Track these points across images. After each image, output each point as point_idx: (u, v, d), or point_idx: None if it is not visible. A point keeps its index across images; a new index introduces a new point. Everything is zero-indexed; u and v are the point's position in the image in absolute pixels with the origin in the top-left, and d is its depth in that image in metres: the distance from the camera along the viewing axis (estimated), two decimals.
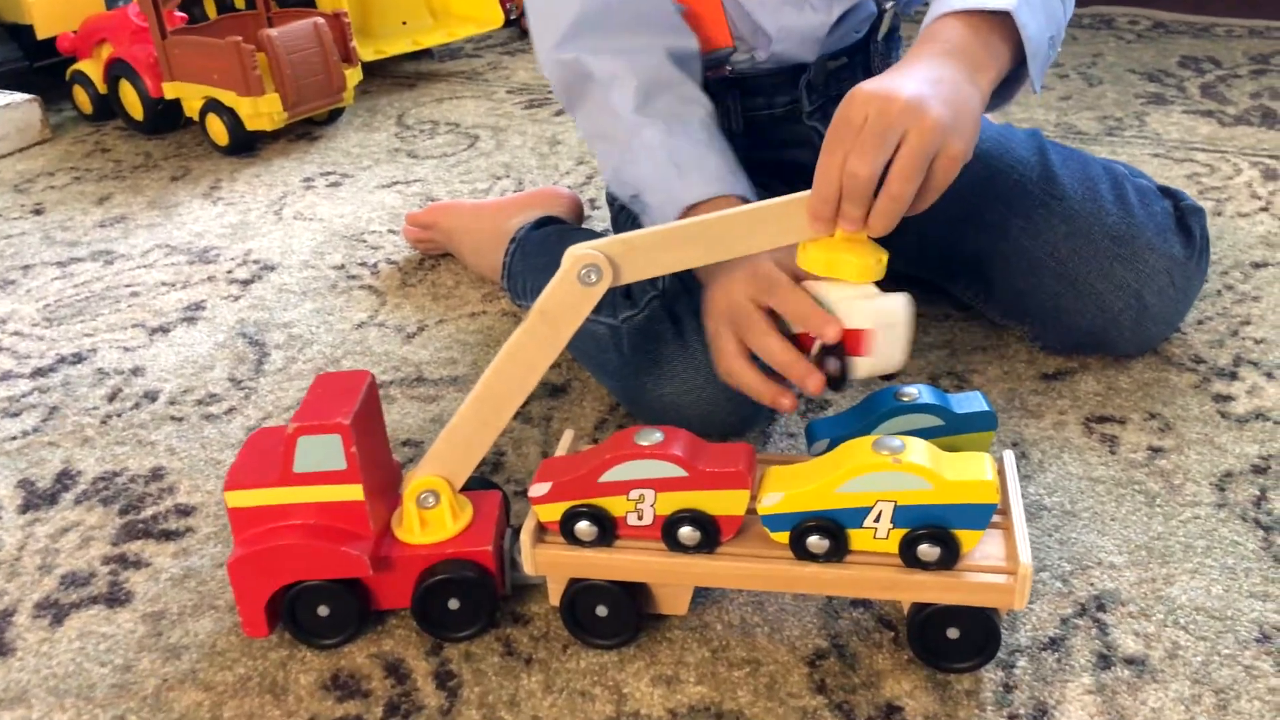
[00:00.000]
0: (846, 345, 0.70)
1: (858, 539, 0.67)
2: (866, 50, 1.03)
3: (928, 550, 0.66)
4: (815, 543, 0.67)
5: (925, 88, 0.67)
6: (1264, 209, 1.25)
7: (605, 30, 0.88)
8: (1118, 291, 0.93)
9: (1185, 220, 0.96)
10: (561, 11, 0.88)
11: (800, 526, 0.67)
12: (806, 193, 0.67)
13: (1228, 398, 0.93)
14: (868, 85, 0.67)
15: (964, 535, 0.66)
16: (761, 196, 1.01)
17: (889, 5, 1.01)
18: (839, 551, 0.68)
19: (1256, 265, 1.13)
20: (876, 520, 0.66)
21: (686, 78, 0.89)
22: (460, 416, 0.72)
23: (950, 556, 0.66)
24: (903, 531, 0.66)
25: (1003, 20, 0.74)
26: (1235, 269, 1.13)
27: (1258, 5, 1.98)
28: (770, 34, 0.96)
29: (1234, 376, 0.96)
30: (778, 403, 0.74)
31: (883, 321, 0.69)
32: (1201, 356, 0.99)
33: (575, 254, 0.68)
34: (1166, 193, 0.98)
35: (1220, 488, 0.83)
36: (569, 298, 0.69)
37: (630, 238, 0.69)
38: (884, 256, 0.69)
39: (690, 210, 0.82)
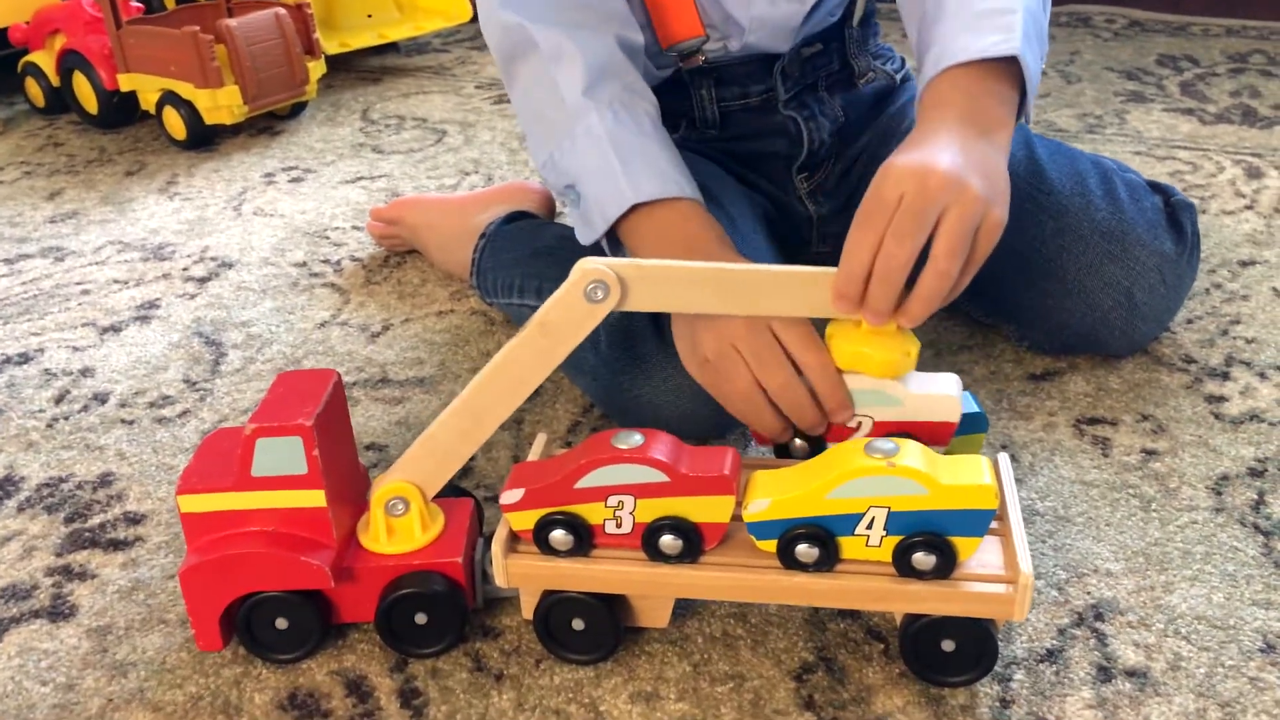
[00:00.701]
0: (924, 437, 0.68)
1: (849, 547, 0.64)
2: (842, 37, 1.01)
3: (923, 559, 0.62)
4: (804, 551, 0.64)
5: (958, 159, 0.65)
6: (1249, 207, 1.23)
7: (552, 3, 0.83)
8: (1107, 289, 0.90)
9: (1176, 216, 0.93)
10: None
11: (788, 534, 0.64)
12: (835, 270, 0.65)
13: (1221, 398, 0.91)
14: (900, 161, 0.65)
15: (961, 543, 0.62)
16: (737, 186, 1.00)
17: None
18: (829, 560, 0.64)
19: (1244, 263, 1.11)
20: (869, 527, 0.63)
21: (634, 70, 0.84)
22: (439, 424, 0.68)
23: (947, 565, 0.62)
24: (897, 539, 0.63)
25: (1007, 62, 0.72)
26: (1223, 267, 1.11)
27: (1233, 5, 1.98)
28: (743, 25, 0.93)
29: (1226, 377, 0.93)
30: (780, 438, 0.72)
31: (952, 409, 0.69)
32: (1192, 356, 0.96)
33: (585, 267, 0.64)
34: (1156, 188, 0.96)
35: (1217, 491, 0.80)
36: (572, 311, 0.65)
37: (646, 265, 0.65)
38: (914, 349, 0.67)
39: (635, 210, 0.77)
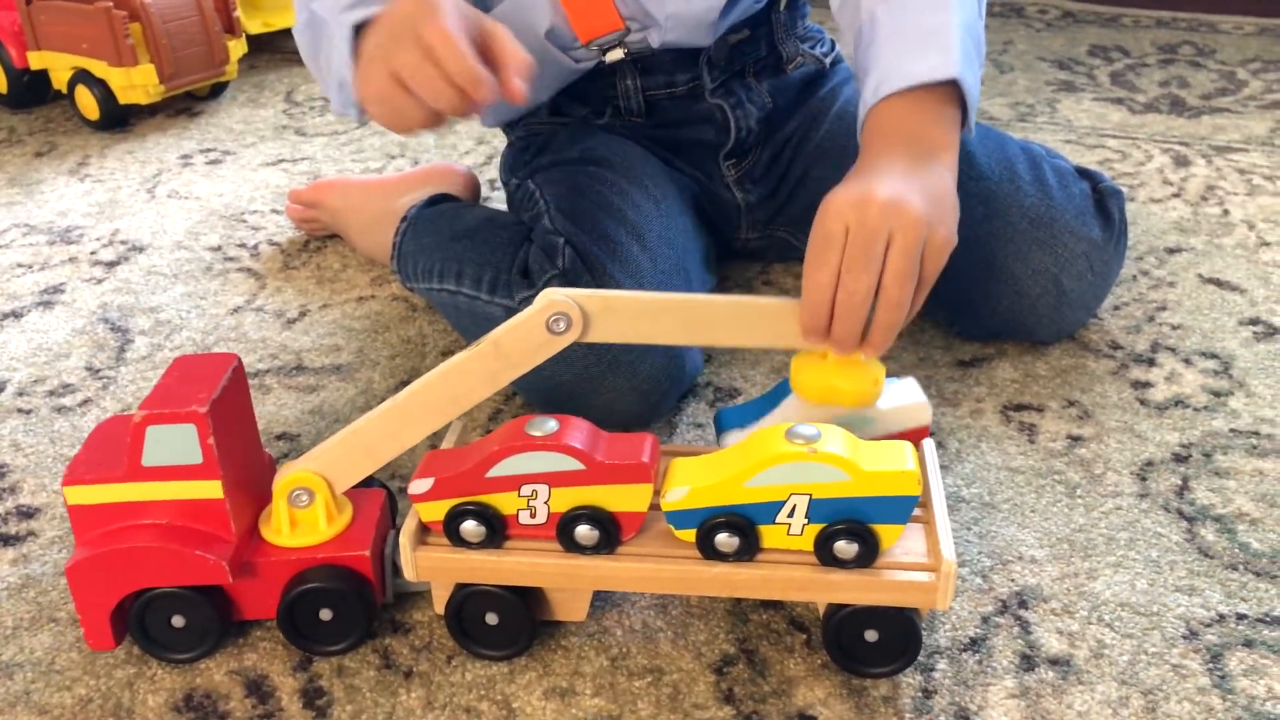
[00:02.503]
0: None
1: (770, 536, 0.62)
2: (769, 22, 0.99)
3: (845, 547, 0.61)
4: (724, 541, 0.62)
5: (897, 184, 0.65)
6: (1176, 195, 1.24)
7: None
8: (1035, 276, 0.90)
9: (1104, 203, 0.93)
10: None
11: (707, 523, 0.62)
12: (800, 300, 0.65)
13: (1146, 384, 0.90)
14: (839, 195, 0.65)
15: (884, 530, 0.61)
16: (663, 169, 0.97)
17: None
18: (749, 550, 0.62)
19: (1171, 250, 1.11)
20: (790, 515, 0.61)
21: None
22: (368, 420, 0.65)
23: (869, 553, 0.61)
24: (818, 527, 0.61)
25: (947, 84, 0.72)
26: (1150, 254, 1.11)
27: None
28: (659, 21, 0.90)
29: (1152, 363, 0.93)
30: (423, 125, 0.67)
31: (923, 413, 0.69)
32: (1119, 343, 0.96)
33: (550, 297, 0.62)
34: (1084, 174, 0.95)
35: (1141, 477, 0.80)
36: (530, 339, 0.63)
37: (611, 298, 0.64)
38: (880, 375, 0.66)
39: (366, 23, 0.71)
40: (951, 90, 0.73)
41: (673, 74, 0.97)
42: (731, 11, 0.93)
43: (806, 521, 0.61)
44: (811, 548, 0.62)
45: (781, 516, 0.61)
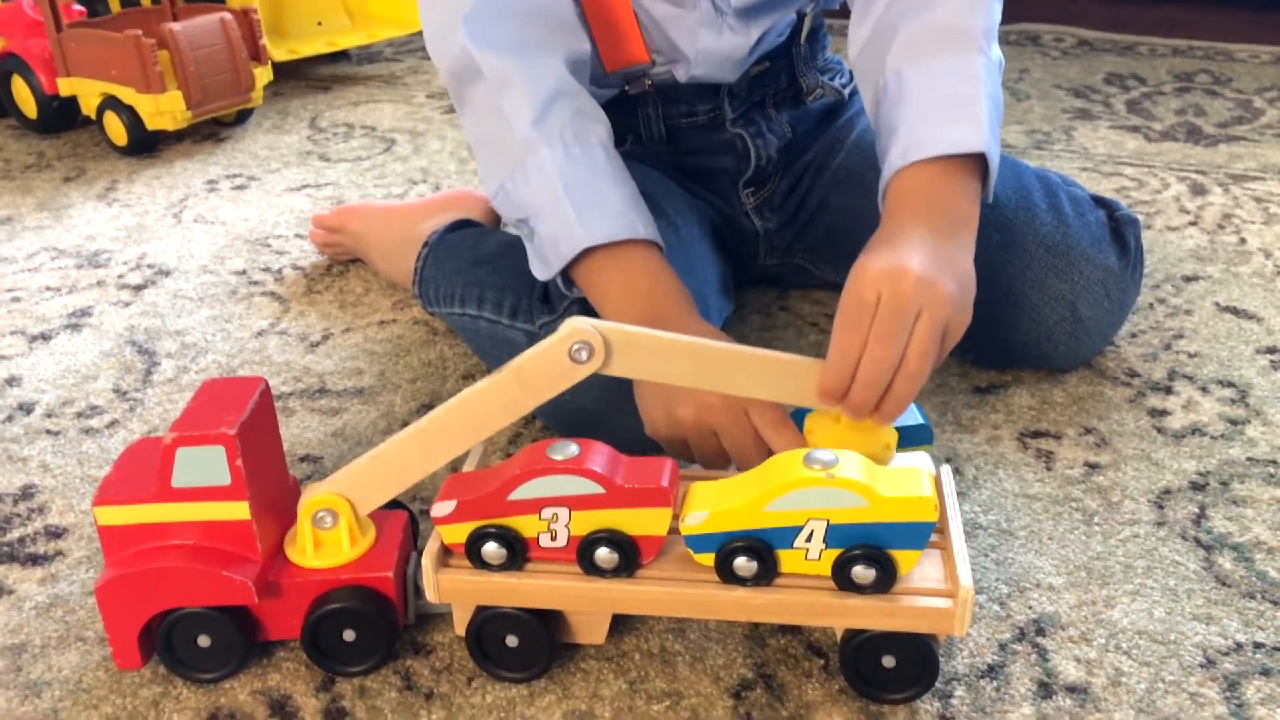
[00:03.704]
0: None
1: (788, 560, 0.63)
2: (790, 54, 1.00)
3: (863, 572, 0.61)
4: (743, 565, 0.62)
5: (929, 261, 0.67)
6: (1193, 223, 1.24)
7: (499, 17, 0.81)
8: (1052, 303, 0.90)
9: (1120, 231, 0.93)
10: None
11: (726, 548, 0.62)
12: (820, 361, 0.66)
13: (1163, 412, 0.91)
14: (873, 263, 0.67)
15: (901, 556, 0.61)
16: (684, 195, 0.98)
17: (808, 9, 0.98)
18: (767, 575, 0.63)
19: (1187, 279, 1.12)
20: (808, 540, 0.62)
21: (584, 90, 0.83)
22: (392, 445, 0.65)
23: (887, 579, 0.61)
24: (836, 552, 0.62)
25: (973, 155, 0.74)
26: (1166, 282, 1.11)
27: (1180, 25, 2.01)
28: (689, 57, 0.92)
29: (1169, 391, 0.93)
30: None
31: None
32: (1136, 370, 0.96)
33: (575, 325, 0.63)
34: (1100, 202, 0.96)
35: (1159, 505, 0.80)
36: (552, 367, 0.63)
37: (635, 334, 0.64)
38: (892, 440, 0.68)
39: (589, 253, 0.76)
40: (975, 162, 0.75)
41: (694, 104, 0.98)
42: (758, 48, 0.94)
43: (824, 546, 0.62)
44: (829, 573, 0.63)
45: (799, 541, 0.62)
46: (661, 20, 0.91)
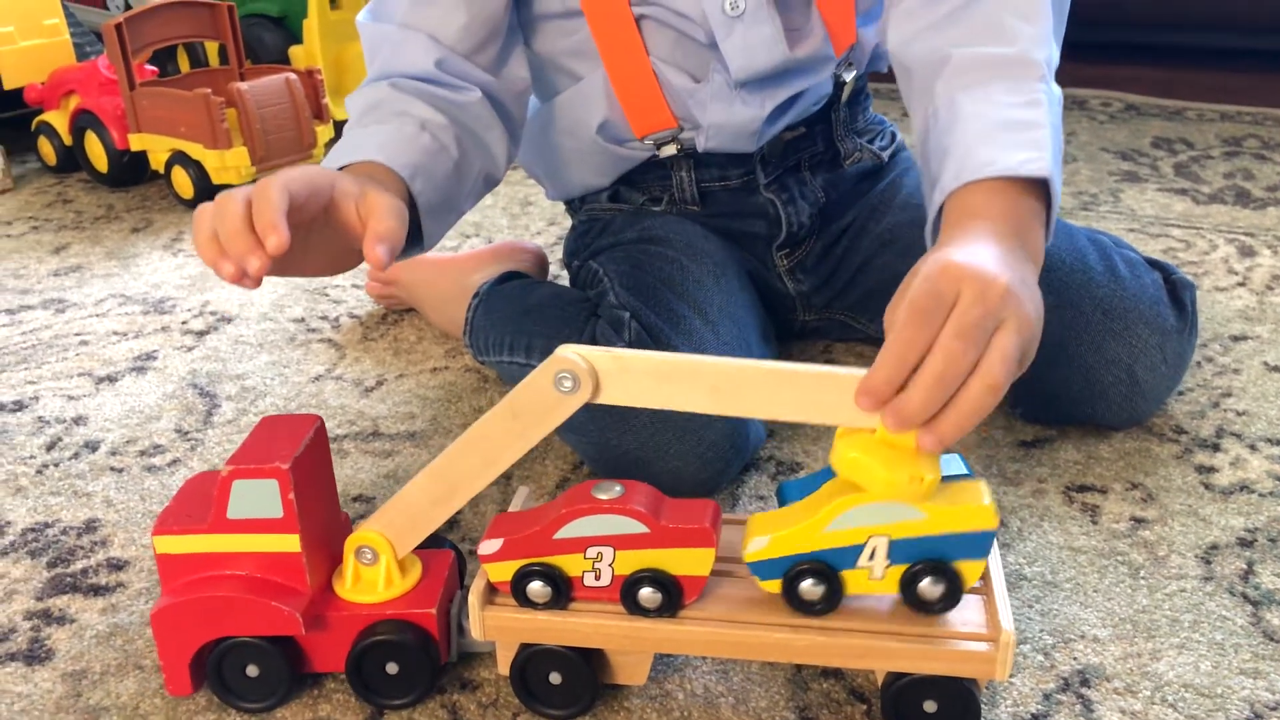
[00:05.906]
0: None
1: (853, 581, 0.63)
2: (828, 119, 1.01)
3: (930, 587, 0.61)
4: (808, 589, 0.62)
5: (1016, 279, 0.59)
6: (1241, 284, 1.24)
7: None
8: (1109, 366, 0.89)
9: (1177, 293, 0.92)
10: None
11: (792, 571, 0.63)
12: (851, 371, 0.58)
13: (1211, 469, 0.90)
14: (958, 258, 0.58)
15: (965, 567, 0.61)
16: (724, 247, 0.99)
17: (848, 79, 0.99)
18: (833, 598, 0.63)
19: (1236, 338, 1.11)
20: (871, 559, 0.62)
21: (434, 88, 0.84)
22: (413, 485, 0.67)
23: (954, 592, 0.61)
24: (901, 568, 0.62)
25: (1034, 180, 0.68)
26: (1214, 341, 1.11)
27: (1228, 91, 2.01)
28: (703, 126, 0.94)
29: (1216, 448, 0.93)
30: (216, 266, 0.63)
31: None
32: (1183, 427, 0.96)
33: (558, 353, 0.60)
34: (1155, 265, 0.95)
35: (1206, 560, 0.80)
36: (540, 398, 0.62)
37: (626, 356, 0.60)
38: (930, 477, 0.58)
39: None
40: (1038, 188, 0.69)
41: (726, 168, 0.99)
42: (782, 117, 0.95)
43: (888, 564, 0.62)
44: (896, 590, 0.62)
45: (863, 560, 0.62)
46: (679, 90, 0.93)
